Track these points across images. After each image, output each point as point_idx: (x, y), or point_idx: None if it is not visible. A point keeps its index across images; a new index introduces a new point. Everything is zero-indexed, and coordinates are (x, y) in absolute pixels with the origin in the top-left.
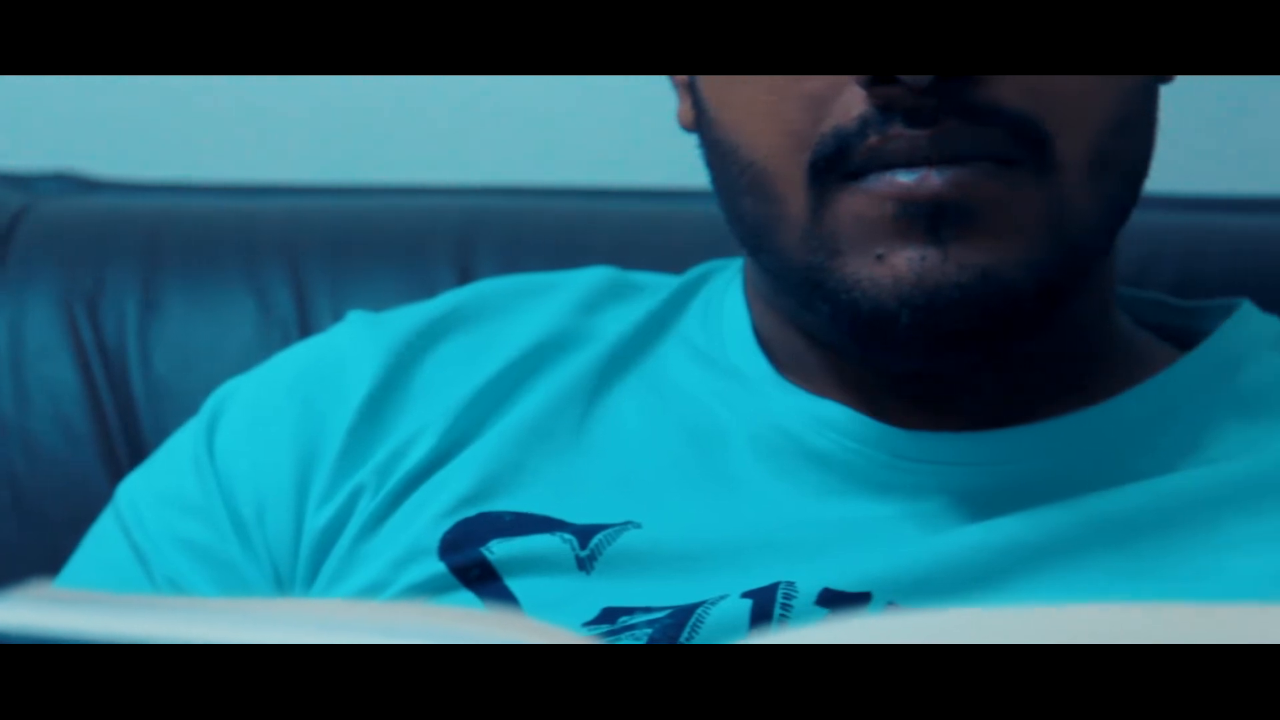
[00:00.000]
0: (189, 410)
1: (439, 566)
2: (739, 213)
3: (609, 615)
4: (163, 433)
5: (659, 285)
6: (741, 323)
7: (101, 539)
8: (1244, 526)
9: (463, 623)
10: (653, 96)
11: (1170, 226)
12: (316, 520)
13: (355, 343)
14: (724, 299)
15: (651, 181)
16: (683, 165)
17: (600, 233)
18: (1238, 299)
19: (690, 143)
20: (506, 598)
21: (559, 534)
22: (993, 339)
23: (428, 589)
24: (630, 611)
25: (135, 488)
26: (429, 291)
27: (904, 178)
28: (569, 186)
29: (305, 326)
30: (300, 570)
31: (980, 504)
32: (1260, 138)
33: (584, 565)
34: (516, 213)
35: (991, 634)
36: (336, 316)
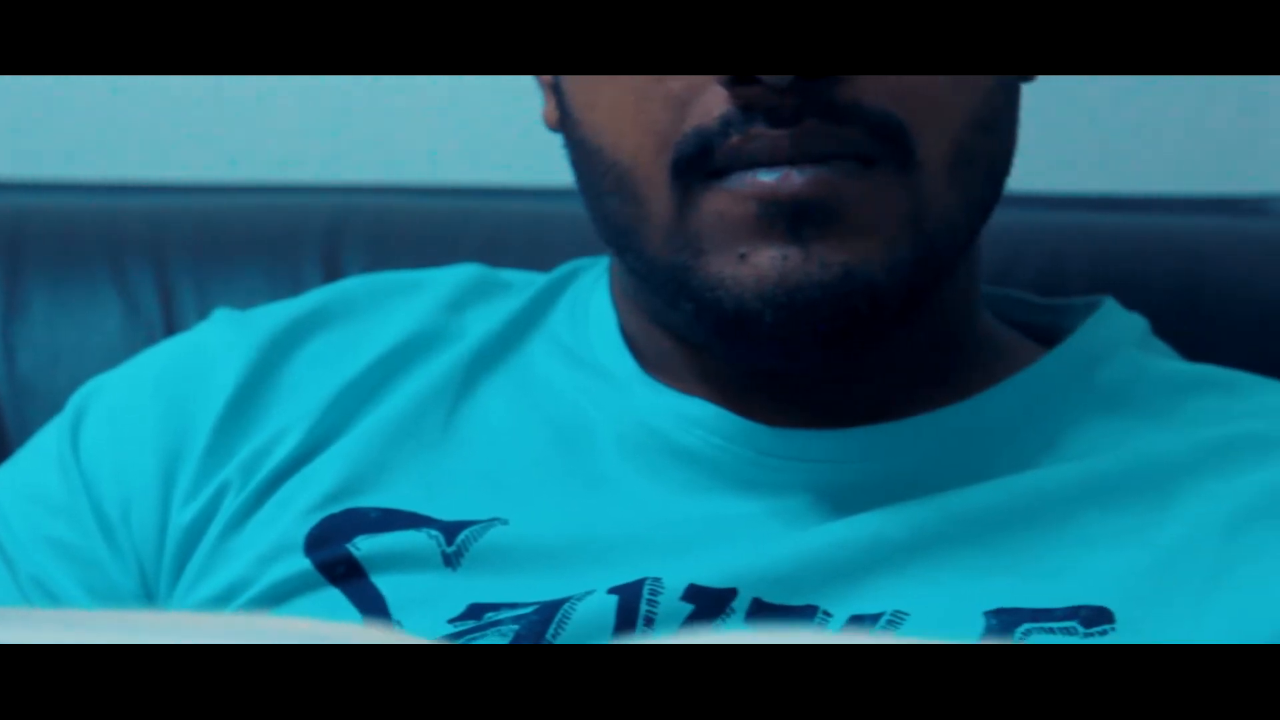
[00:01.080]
0: (53, 409)
1: (304, 563)
2: (604, 212)
3: (475, 611)
4: (27, 432)
5: (526, 283)
6: (608, 321)
7: None
8: (1102, 522)
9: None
10: (520, 95)
11: (1034, 225)
12: (181, 517)
13: (221, 340)
14: (591, 297)
15: (519, 180)
16: (550, 164)
17: (468, 231)
18: (1100, 297)
19: (558, 141)
20: (372, 594)
21: (425, 530)
22: (855, 337)
23: (293, 585)
24: (496, 608)
25: None
26: (296, 289)
27: (766, 177)
28: (437, 185)
29: (171, 325)
30: (165, 568)
31: (844, 500)
32: (1123, 137)
33: (450, 562)
34: (384, 211)
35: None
36: (202, 315)
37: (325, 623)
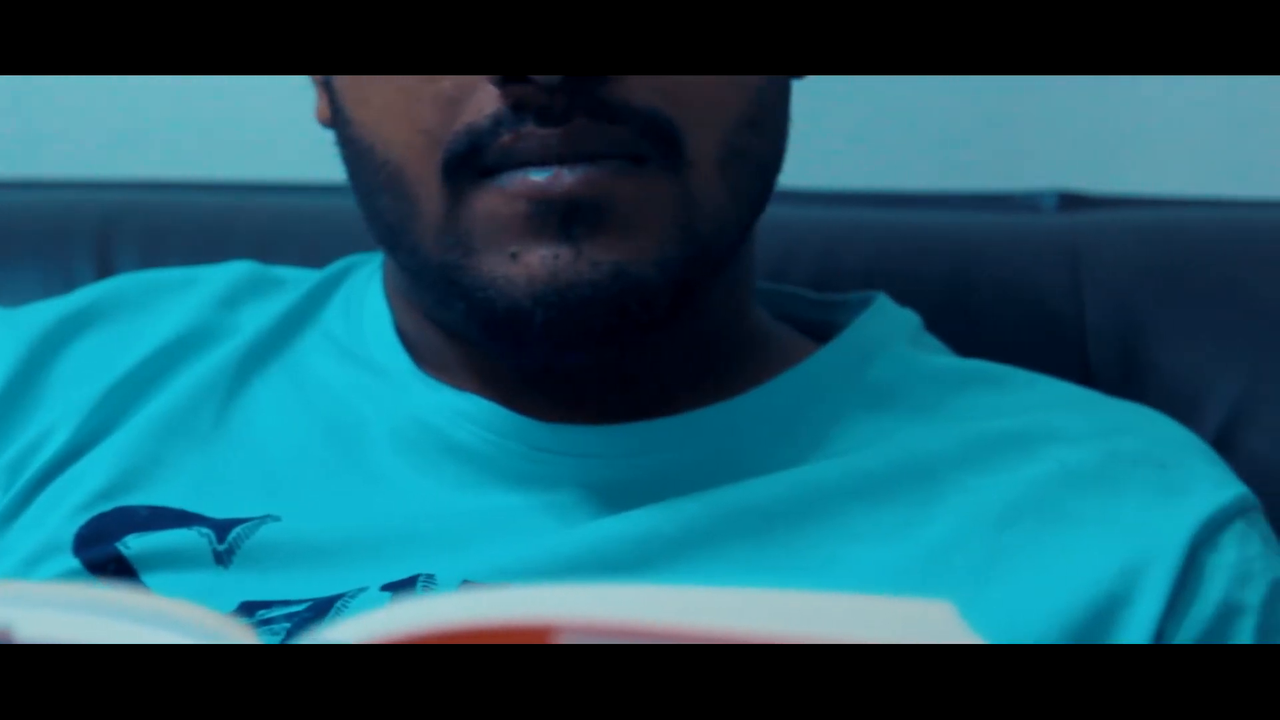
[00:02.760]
0: None
1: (73, 562)
2: (375, 210)
3: (247, 609)
4: None
5: (300, 279)
6: (382, 317)
7: None
8: (870, 517)
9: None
10: (295, 93)
11: (809, 221)
12: None
13: None
14: (365, 293)
15: (294, 176)
16: (325, 160)
17: (243, 227)
18: (873, 292)
19: (331, 137)
20: None
21: (196, 528)
22: (627, 335)
23: None
24: (269, 605)
25: None
26: (68, 286)
27: (536, 176)
28: (211, 181)
29: None
30: None
31: (616, 496)
32: (896, 135)
33: (222, 559)
34: (157, 207)
35: (569, 607)
36: None
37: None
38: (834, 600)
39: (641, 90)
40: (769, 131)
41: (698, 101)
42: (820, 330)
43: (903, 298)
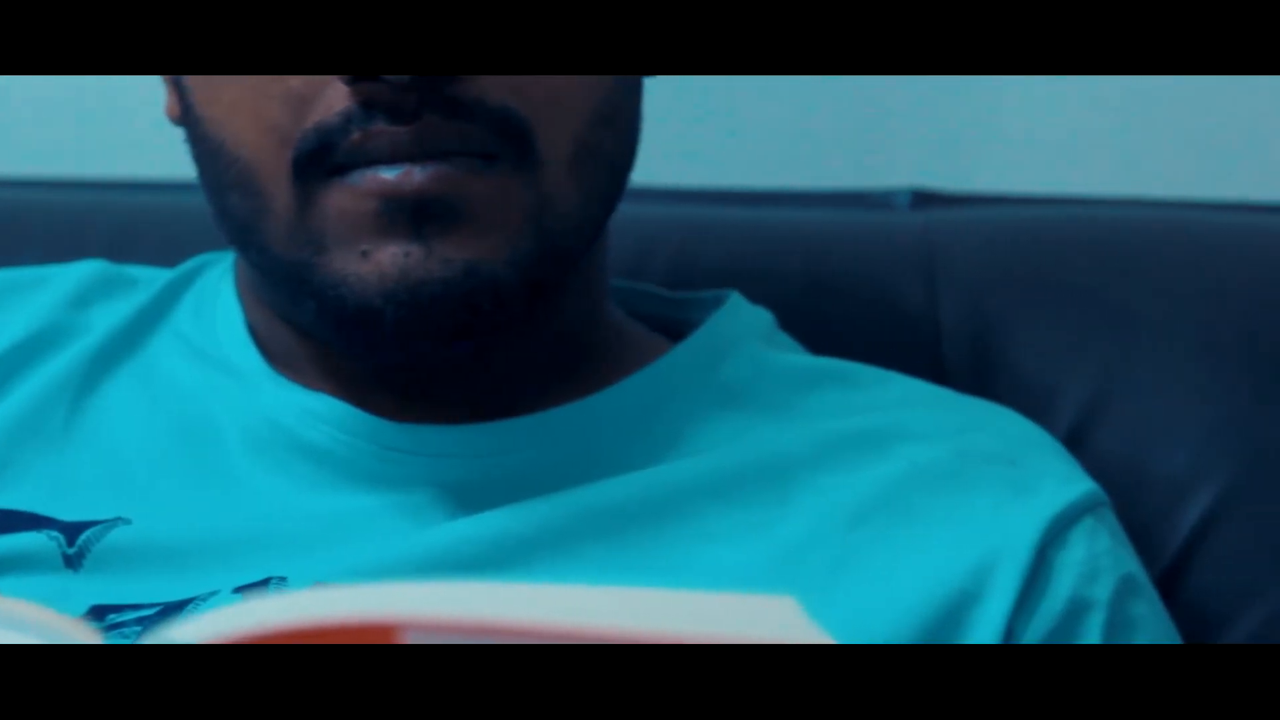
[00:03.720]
0: None
1: None
2: (226, 208)
3: (98, 613)
4: None
5: (152, 278)
6: (234, 316)
7: None
8: (724, 517)
9: None
10: (149, 90)
11: (665, 219)
12: None
13: None
14: (217, 292)
15: (147, 173)
16: (179, 157)
17: (95, 226)
18: (727, 291)
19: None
20: None
21: (45, 531)
22: (479, 333)
23: None
24: (119, 609)
25: None
26: None
27: (387, 174)
28: (66, 179)
29: None
30: None
31: (469, 496)
32: (753, 133)
33: (71, 563)
34: (7, 205)
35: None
36: None
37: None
38: (678, 597)
39: (493, 88)
40: (621, 129)
41: (549, 99)
42: (675, 328)
43: (757, 296)
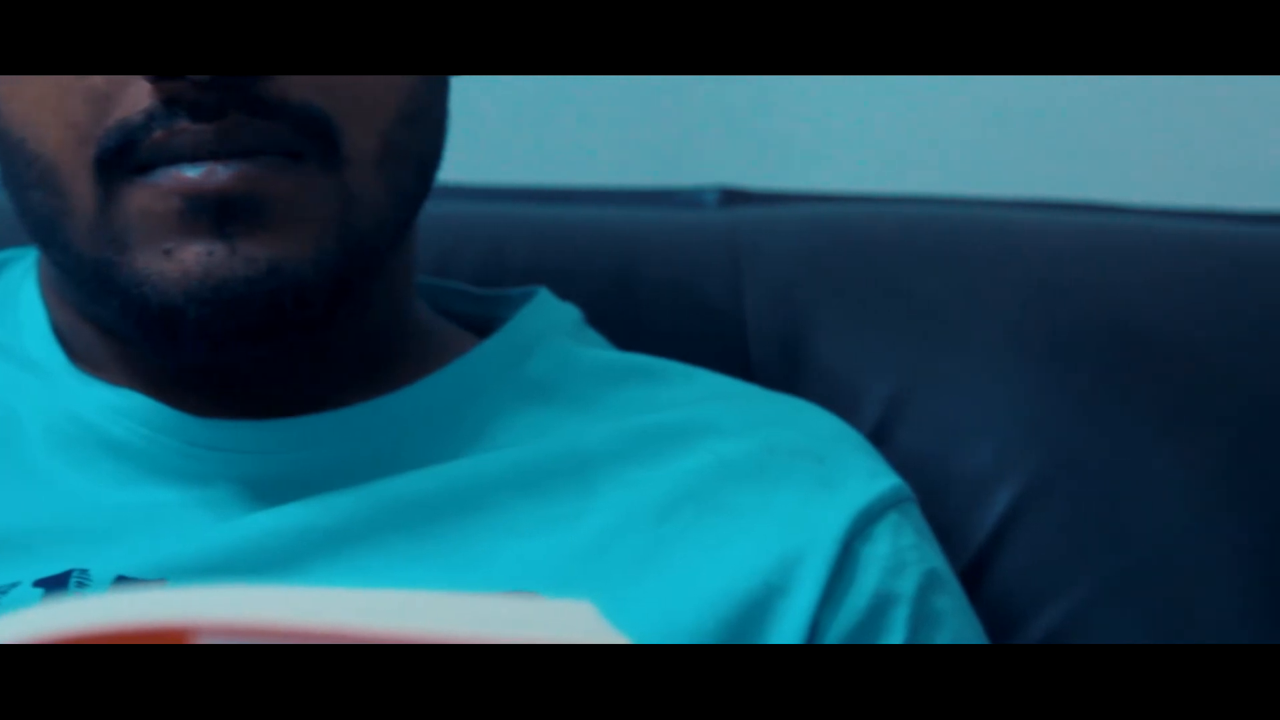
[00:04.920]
0: None
1: None
2: (28, 206)
3: None
4: None
5: None
6: (37, 313)
7: None
8: (530, 510)
9: None
10: None
11: (474, 216)
12: None
13: None
14: (20, 289)
15: None
16: None
17: None
18: (535, 287)
19: None
20: None
21: None
22: (283, 332)
23: None
24: None
25: None
26: None
27: (189, 172)
28: None
29: None
30: None
31: (273, 491)
32: (561, 131)
33: None
34: None
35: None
36: None
37: None
38: (473, 600)
39: (297, 87)
40: (427, 128)
41: (354, 98)
42: (482, 325)
43: (566, 293)
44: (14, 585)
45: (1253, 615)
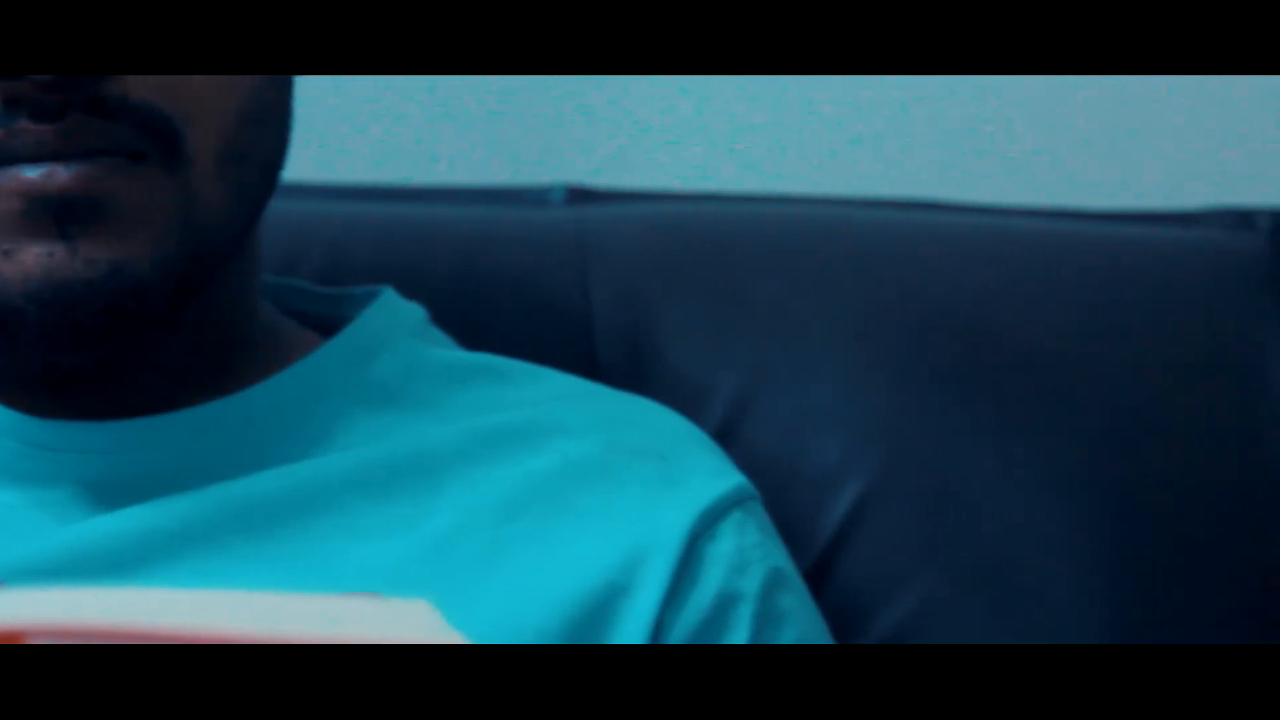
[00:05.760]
0: None
1: None
2: None
3: None
4: None
5: None
6: None
7: None
8: (374, 512)
9: None
10: None
11: (318, 215)
12: None
13: None
14: None
15: None
16: None
17: None
18: (379, 286)
19: None
20: None
21: None
22: (124, 334)
23: None
24: None
25: None
26: None
27: (30, 173)
28: None
29: None
30: None
31: (115, 492)
32: (408, 129)
33: None
34: None
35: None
36: None
37: None
38: (309, 600)
39: (140, 87)
40: (270, 128)
41: (197, 99)
42: (327, 324)
43: (412, 292)
44: None
45: (1098, 609)
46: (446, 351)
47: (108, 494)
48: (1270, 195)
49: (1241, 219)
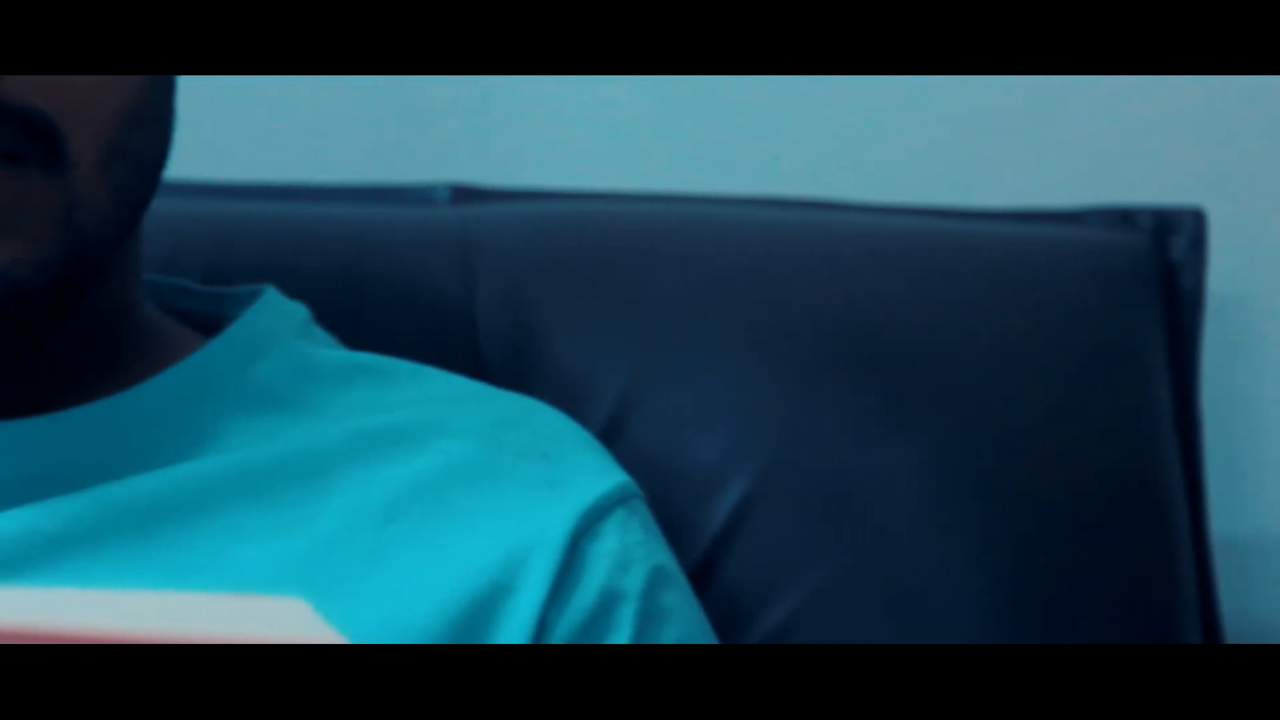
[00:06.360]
0: None
1: None
2: None
3: None
4: None
5: None
6: None
7: None
8: (258, 514)
9: None
10: None
11: (200, 214)
12: None
13: None
14: None
15: None
16: None
17: None
18: (262, 285)
19: None
20: None
21: None
22: (5, 336)
23: None
24: None
25: None
26: None
27: None
28: None
29: None
30: None
31: None
32: (290, 128)
33: None
34: None
35: None
36: None
37: None
38: (183, 599)
39: (19, 89)
40: (153, 129)
41: (78, 99)
42: (210, 323)
43: (295, 291)
44: None
45: (980, 603)
46: (330, 351)
47: None
48: (1151, 194)
49: (1123, 218)
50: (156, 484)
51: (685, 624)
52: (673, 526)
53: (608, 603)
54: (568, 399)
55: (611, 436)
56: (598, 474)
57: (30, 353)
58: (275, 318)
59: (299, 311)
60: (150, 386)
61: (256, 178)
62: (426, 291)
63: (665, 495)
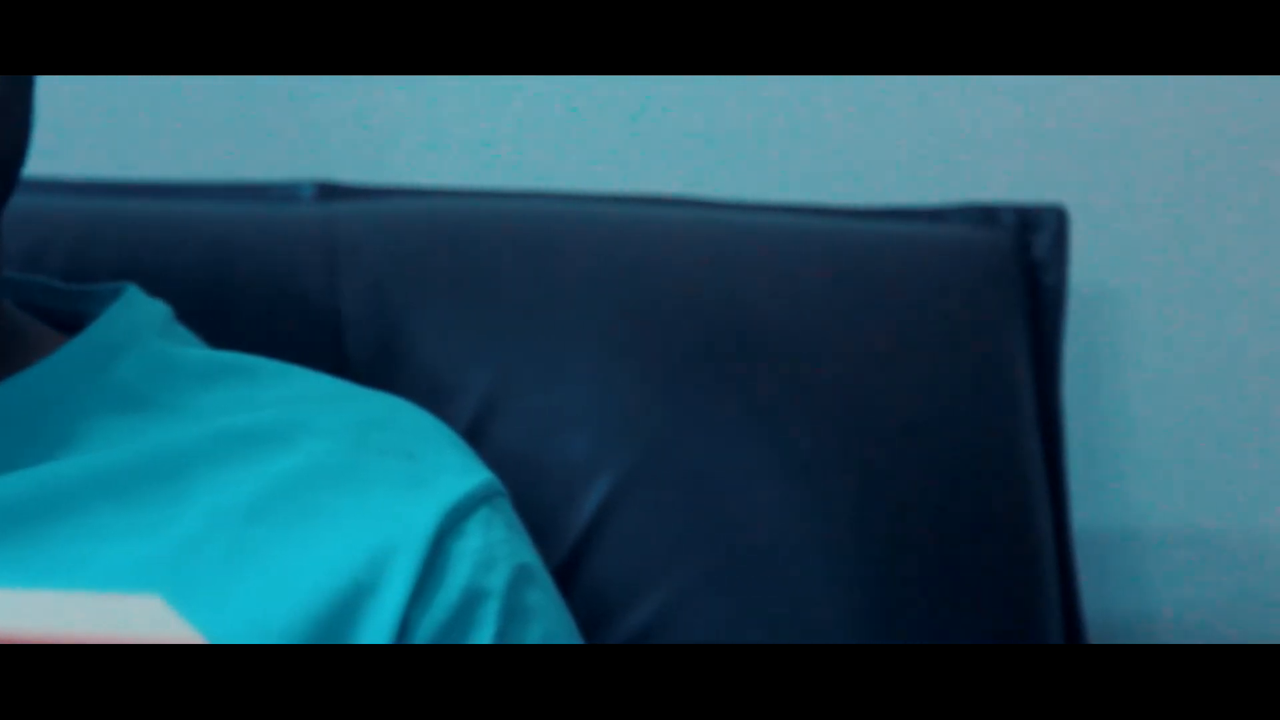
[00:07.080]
0: None
1: None
2: None
3: None
4: None
5: None
6: None
7: None
8: (119, 515)
9: None
10: None
11: (61, 211)
12: None
13: None
14: None
15: None
16: None
17: None
18: (123, 283)
19: None
20: None
21: None
22: None
23: None
24: None
25: None
26: None
27: None
28: None
29: None
30: None
31: None
32: (151, 125)
33: None
34: None
35: None
36: None
37: None
38: (36, 597)
39: None
40: (9, 127)
41: None
42: (70, 322)
43: (158, 289)
44: None
45: (843, 598)
46: (193, 350)
47: None
48: (1013, 192)
49: (986, 215)
50: (15, 485)
51: (549, 622)
52: (538, 525)
53: (471, 601)
54: (433, 397)
55: (477, 435)
56: (462, 472)
57: None
58: (136, 316)
59: (160, 310)
60: (8, 386)
61: (121, 175)
62: (291, 289)
63: (530, 493)
